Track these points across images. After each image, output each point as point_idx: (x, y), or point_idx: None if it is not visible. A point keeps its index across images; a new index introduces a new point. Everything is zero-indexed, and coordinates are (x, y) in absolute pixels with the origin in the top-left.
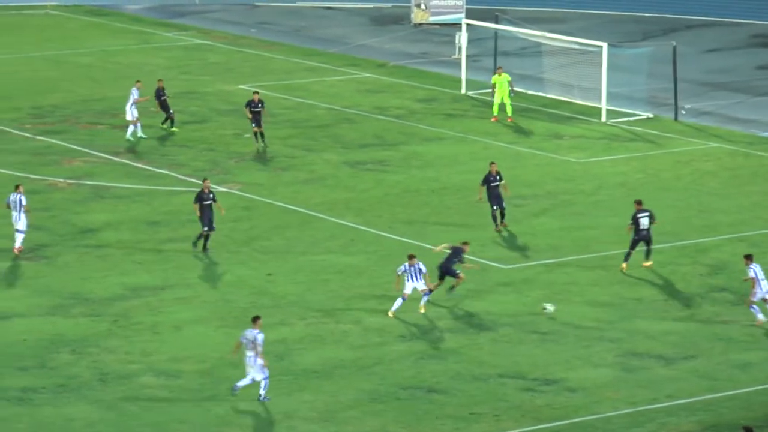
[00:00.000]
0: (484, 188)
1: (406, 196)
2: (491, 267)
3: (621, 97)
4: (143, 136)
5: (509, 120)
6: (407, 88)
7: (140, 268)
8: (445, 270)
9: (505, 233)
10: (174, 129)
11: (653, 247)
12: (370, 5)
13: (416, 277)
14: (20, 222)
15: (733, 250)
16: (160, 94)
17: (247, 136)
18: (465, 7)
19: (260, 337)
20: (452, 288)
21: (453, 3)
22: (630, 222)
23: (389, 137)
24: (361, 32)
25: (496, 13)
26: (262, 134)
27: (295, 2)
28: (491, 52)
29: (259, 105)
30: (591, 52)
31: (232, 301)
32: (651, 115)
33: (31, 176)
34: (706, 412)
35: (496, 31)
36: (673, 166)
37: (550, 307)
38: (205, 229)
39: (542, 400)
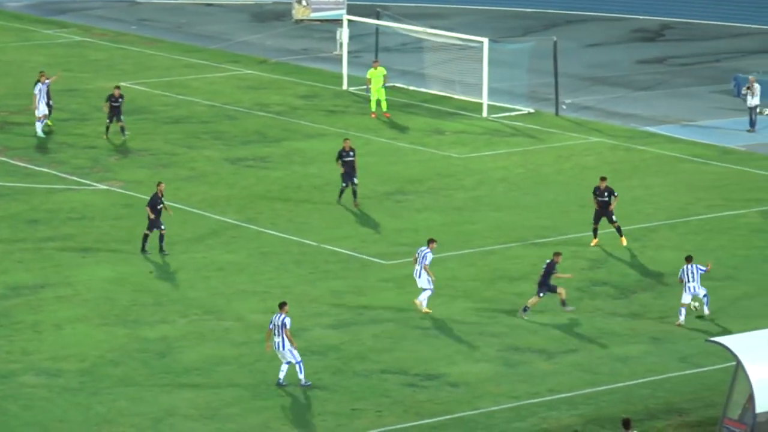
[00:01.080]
0: (340, 161)
1: (287, 192)
2: (373, 263)
3: (502, 93)
4: (41, 134)
5: (386, 115)
6: (288, 85)
7: (20, 267)
8: (546, 287)
9: (384, 230)
10: (49, 122)
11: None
12: (251, 2)
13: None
14: None
15: (613, 245)
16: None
17: (128, 133)
18: (346, 3)
19: (288, 321)
20: (563, 303)
21: None
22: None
23: (270, 134)
24: (241, 29)
25: (378, 9)
26: (122, 128)
27: None
28: (373, 48)
29: (120, 99)
30: (472, 47)
31: (113, 299)
32: (532, 110)
33: None
34: (587, 405)
35: (377, 27)
36: (554, 161)
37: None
38: (162, 227)
39: (424, 396)
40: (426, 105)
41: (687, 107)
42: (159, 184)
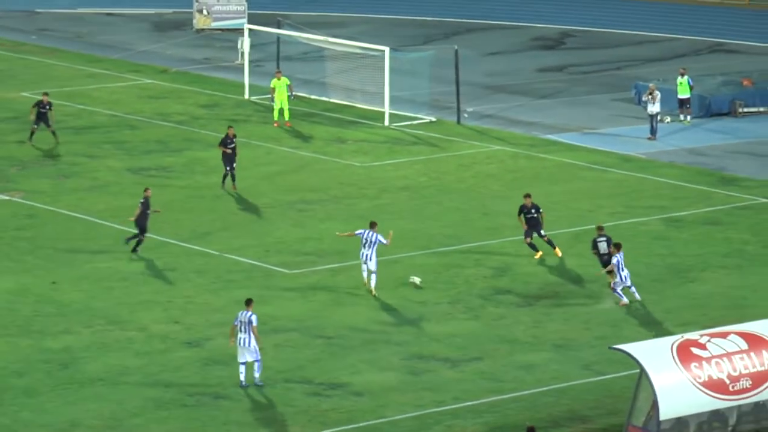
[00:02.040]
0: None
1: (190, 201)
2: (276, 272)
3: (403, 101)
4: None
5: (287, 125)
6: (190, 94)
7: None
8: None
9: (287, 239)
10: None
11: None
12: (152, 11)
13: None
14: None
15: (516, 252)
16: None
17: (29, 143)
18: (247, 12)
19: (254, 318)
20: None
21: (235, 8)
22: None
23: (172, 143)
24: (143, 38)
25: (279, 18)
26: (53, 132)
27: (75, 9)
28: (274, 57)
29: (47, 106)
30: (373, 56)
31: (16, 309)
32: (434, 119)
33: None
34: (492, 413)
35: (278, 36)
36: (456, 169)
37: (416, 279)
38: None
39: (328, 405)
40: (328, 114)
41: (588, 115)
42: (146, 190)
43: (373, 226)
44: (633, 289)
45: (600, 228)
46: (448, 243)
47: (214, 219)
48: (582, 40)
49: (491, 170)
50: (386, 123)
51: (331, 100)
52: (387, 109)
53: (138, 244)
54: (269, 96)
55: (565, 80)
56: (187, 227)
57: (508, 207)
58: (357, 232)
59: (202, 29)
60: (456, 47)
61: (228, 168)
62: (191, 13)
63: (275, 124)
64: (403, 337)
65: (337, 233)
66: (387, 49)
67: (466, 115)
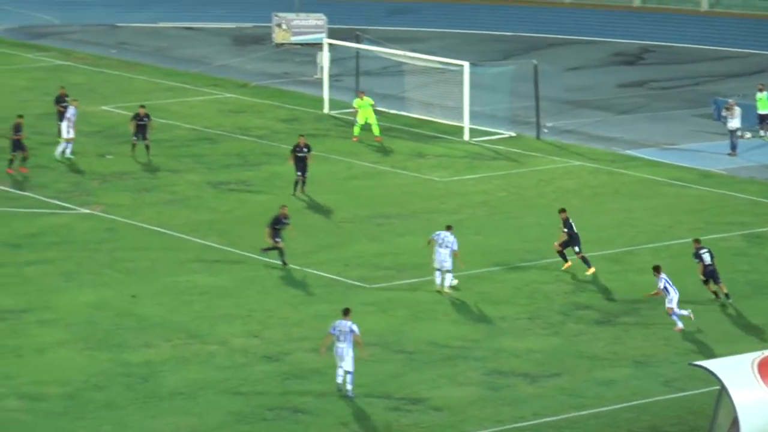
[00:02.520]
0: (293, 156)
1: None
2: (355, 286)
3: (483, 116)
4: (71, 156)
5: (378, 139)
6: (269, 108)
7: (2, 291)
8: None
9: (367, 253)
10: (60, 139)
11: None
12: (232, 25)
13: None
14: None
15: (597, 268)
16: (60, 100)
17: (109, 157)
18: (326, 27)
19: (356, 327)
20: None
21: (314, 23)
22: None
23: (252, 157)
24: (222, 52)
25: (357, 33)
26: (147, 146)
27: (156, 23)
28: (353, 72)
29: (145, 118)
30: (452, 71)
31: (96, 323)
32: (513, 134)
33: None
34: (572, 429)
35: (357, 51)
36: (535, 185)
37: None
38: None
39: (408, 419)
40: (407, 129)
41: (667, 130)
42: (282, 207)
43: (449, 228)
44: (682, 311)
45: (697, 241)
46: (528, 258)
47: (294, 233)
48: (662, 55)
49: (571, 185)
50: (466, 138)
51: (411, 115)
52: (467, 124)
53: (281, 254)
54: (354, 112)
55: (645, 95)
56: (267, 241)
57: (587, 222)
58: (432, 235)
59: (282, 44)
60: (536, 62)
61: (299, 173)
62: (270, 27)
63: (354, 139)
64: (482, 353)
65: (424, 245)
66: (467, 64)
67: (545, 130)
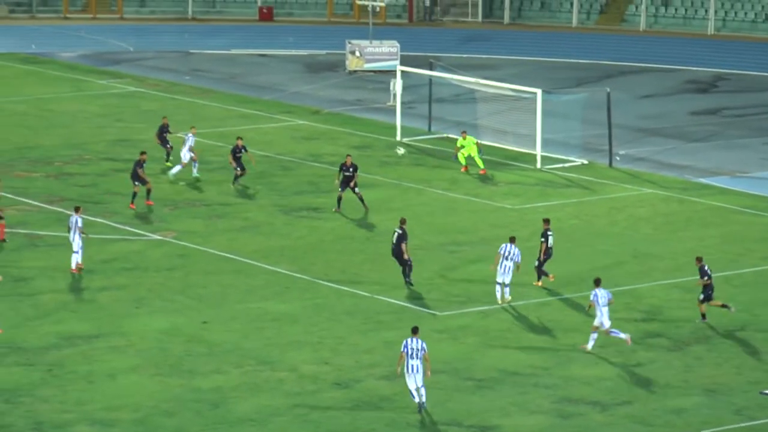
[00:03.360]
0: (340, 174)
1: (340, 242)
2: (425, 314)
3: (556, 144)
4: (198, 174)
5: (482, 172)
6: (342, 135)
7: (74, 317)
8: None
9: (437, 281)
10: (168, 163)
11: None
12: (305, 52)
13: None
14: (75, 243)
15: (667, 296)
16: (163, 130)
17: (182, 183)
18: (400, 54)
19: (425, 345)
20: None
21: (387, 50)
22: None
23: (324, 184)
24: (295, 79)
25: (431, 60)
26: (238, 176)
27: (229, 49)
28: (426, 99)
29: (242, 150)
30: (525, 98)
31: (167, 349)
32: (585, 161)
33: None
34: None
35: (430, 78)
36: (607, 212)
37: (400, 150)
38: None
39: None
40: (480, 156)
41: (740, 158)
42: (403, 221)
43: (512, 240)
44: (620, 333)
45: (699, 259)
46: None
47: (364, 260)
48: (735, 83)
49: (643, 213)
50: (538, 165)
51: (483, 142)
52: (539, 152)
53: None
54: (455, 151)
55: (718, 123)
56: (338, 268)
57: (659, 250)
58: (499, 249)
59: (355, 71)
60: (609, 90)
61: (343, 189)
62: (344, 54)
63: (464, 169)
64: (552, 380)
65: (491, 267)
66: (539, 91)
67: (618, 158)
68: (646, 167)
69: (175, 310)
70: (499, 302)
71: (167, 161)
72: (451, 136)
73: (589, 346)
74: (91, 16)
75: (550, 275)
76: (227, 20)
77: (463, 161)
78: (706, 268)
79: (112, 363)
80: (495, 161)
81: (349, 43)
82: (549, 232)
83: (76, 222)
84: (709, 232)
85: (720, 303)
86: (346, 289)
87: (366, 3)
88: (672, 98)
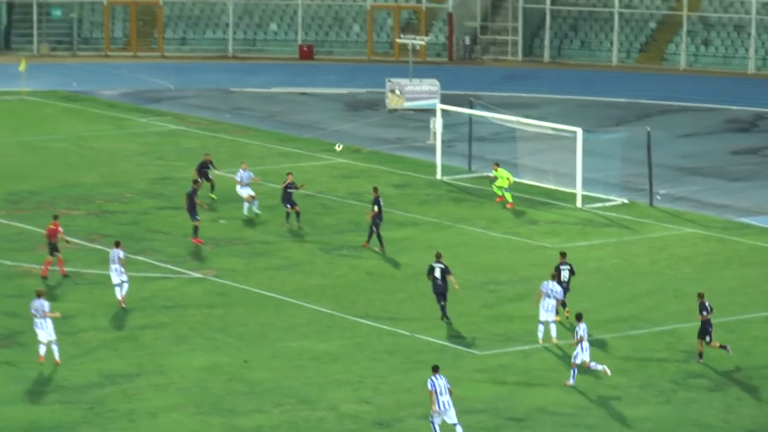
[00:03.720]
0: (376, 209)
1: (381, 281)
2: (465, 353)
3: (596, 183)
4: (258, 212)
5: (510, 206)
6: (382, 174)
7: (115, 355)
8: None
9: (477, 319)
10: (213, 195)
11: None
12: (345, 91)
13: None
14: (122, 275)
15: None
16: (204, 166)
17: (222, 221)
18: (440, 92)
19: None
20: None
21: (428, 89)
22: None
23: (364, 223)
24: (335, 117)
25: (471, 99)
26: (297, 213)
27: (269, 88)
28: (466, 138)
29: (293, 186)
30: (565, 137)
31: (208, 387)
32: (626, 201)
33: (6, 262)
34: None
35: (470, 117)
36: (648, 252)
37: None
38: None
39: None
40: (519, 195)
41: None
42: (438, 256)
43: (554, 277)
44: (597, 365)
45: (700, 295)
46: (640, 326)
47: (405, 299)
48: None
49: (684, 253)
50: (578, 204)
51: (523, 181)
52: (579, 191)
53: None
54: (491, 178)
55: (759, 163)
56: (378, 307)
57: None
58: (540, 286)
59: (395, 109)
60: (648, 129)
61: (374, 227)
62: (384, 93)
63: (498, 199)
64: (593, 420)
65: (534, 304)
66: (579, 130)
67: (658, 197)
68: (687, 206)
69: (216, 348)
70: (540, 342)
71: (211, 192)
72: (491, 175)
73: (571, 381)
74: (131, 53)
75: (566, 310)
76: (268, 58)
77: (498, 191)
78: (706, 303)
79: (153, 401)
80: (535, 200)
81: (389, 81)
82: (562, 266)
83: (117, 256)
84: (750, 272)
85: (718, 344)
86: (386, 327)
87: (406, 41)
88: (712, 137)
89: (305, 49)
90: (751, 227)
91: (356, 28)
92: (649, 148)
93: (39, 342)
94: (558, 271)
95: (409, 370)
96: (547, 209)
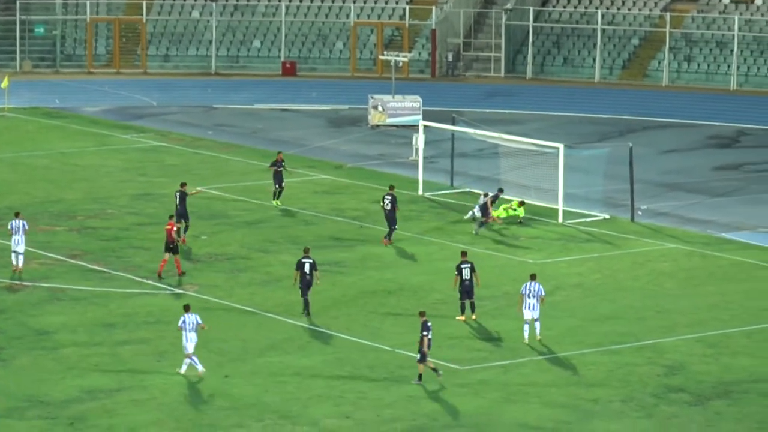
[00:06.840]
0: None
1: (362, 297)
2: (448, 368)
3: (577, 198)
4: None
5: (490, 220)
6: (364, 190)
7: (96, 371)
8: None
9: (459, 335)
10: (276, 202)
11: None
12: (327, 107)
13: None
14: (20, 245)
15: (689, 351)
16: (278, 164)
17: (204, 237)
18: (422, 108)
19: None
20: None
21: (410, 105)
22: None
23: (346, 238)
24: (318, 134)
25: (453, 115)
26: (281, 191)
27: (252, 104)
28: (448, 154)
29: (281, 164)
30: (547, 153)
31: (189, 403)
32: (608, 216)
33: None
34: None
35: (453, 133)
36: (629, 267)
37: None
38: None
39: None
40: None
41: (763, 213)
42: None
43: (533, 277)
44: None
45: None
46: (621, 341)
47: (386, 314)
48: (758, 138)
49: (665, 268)
50: (560, 220)
51: (505, 197)
52: (561, 206)
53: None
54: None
55: (741, 179)
56: (359, 322)
57: (682, 305)
58: (521, 290)
59: (377, 125)
60: (631, 145)
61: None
62: (366, 109)
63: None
64: None
65: (517, 310)
66: (561, 146)
67: (640, 213)
68: (669, 222)
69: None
70: (526, 341)
71: (276, 199)
72: (473, 190)
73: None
74: (114, 70)
75: (462, 316)
76: (250, 75)
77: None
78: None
79: (134, 417)
80: (517, 216)
81: (372, 97)
82: (463, 265)
83: (22, 225)
84: (732, 287)
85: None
86: (367, 343)
87: (389, 58)
88: (694, 153)
89: (288, 65)
90: (733, 242)
91: (339, 44)
92: (631, 164)
93: (186, 355)
94: (459, 270)
95: (390, 386)
96: (528, 225)
